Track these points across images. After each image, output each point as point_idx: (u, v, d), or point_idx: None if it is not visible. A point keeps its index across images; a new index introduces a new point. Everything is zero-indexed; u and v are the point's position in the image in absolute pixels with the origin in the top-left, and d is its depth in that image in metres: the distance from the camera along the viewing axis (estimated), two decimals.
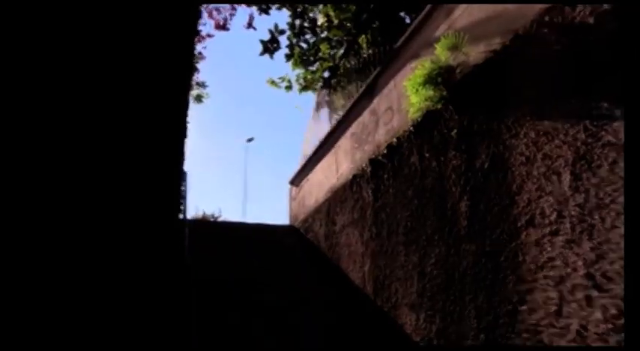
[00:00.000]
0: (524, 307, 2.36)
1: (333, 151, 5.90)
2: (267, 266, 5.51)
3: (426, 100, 3.38)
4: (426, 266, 3.28)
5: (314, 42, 7.58)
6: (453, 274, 2.95)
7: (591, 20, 2.11)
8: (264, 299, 4.69)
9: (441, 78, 3.25)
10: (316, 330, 4.48)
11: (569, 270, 2.10)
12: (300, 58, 7.64)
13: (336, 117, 6.15)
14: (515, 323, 2.41)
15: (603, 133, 1.99)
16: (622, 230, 1.85)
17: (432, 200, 3.29)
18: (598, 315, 1.95)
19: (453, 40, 3.19)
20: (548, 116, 2.32)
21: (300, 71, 7.86)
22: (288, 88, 8.24)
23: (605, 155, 1.96)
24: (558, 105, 2.26)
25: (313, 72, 7.84)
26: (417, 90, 3.37)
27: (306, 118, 7.76)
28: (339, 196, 5.37)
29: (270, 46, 7.54)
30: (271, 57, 7.59)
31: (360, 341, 4.28)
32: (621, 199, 1.87)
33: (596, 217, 1.97)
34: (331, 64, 7.33)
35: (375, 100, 4.69)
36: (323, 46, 7.53)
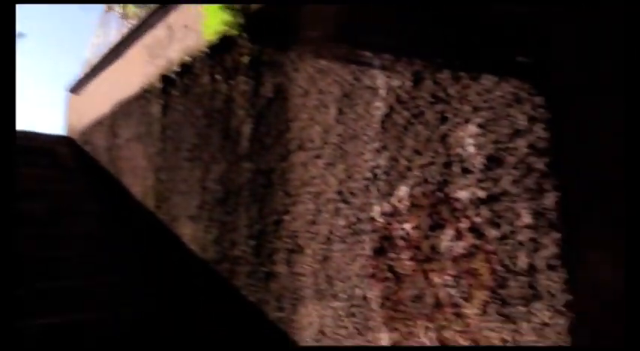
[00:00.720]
0: (287, 217, 2.79)
1: (122, 61, 5.63)
2: (37, 177, 5.18)
3: (222, 24, 3.51)
4: (207, 181, 3.53)
5: None
6: (231, 189, 3.27)
7: None
8: (34, 211, 4.48)
9: (239, 5, 3.40)
10: (93, 241, 4.47)
11: (325, 187, 2.55)
12: None
13: (128, 25, 5.83)
14: (279, 230, 2.84)
15: (364, 77, 2.42)
16: (366, 156, 2.33)
17: (218, 121, 3.51)
18: (342, 222, 2.45)
19: None
20: (325, 56, 2.68)
21: None
22: None
23: (363, 96, 2.40)
24: (334, 48, 2.63)
25: None
26: (215, 12, 3.47)
27: (92, 21, 7.11)
28: (125, 109, 5.23)
29: None
30: None
31: (136, 250, 4.42)
32: (369, 131, 2.34)
33: (350, 145, 2.43)
34: None
35: (172, 15, 4.61)
36: None
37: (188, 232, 3.77)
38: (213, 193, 3.47)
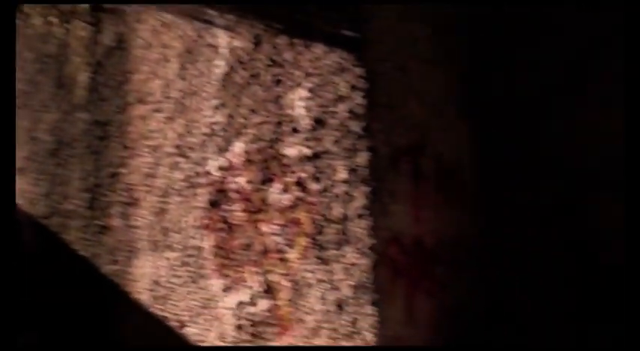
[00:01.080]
0: (124, 170, 2.78)
1: None
2: None
3: None
4: (37, 131, 3.32)
5: None
6: (63, 140, 3.12)
7: None
8: None
9: None
10: None
11: (164, 141, 2.59)
12: None
13: None
14: (115, 183, 2.82)
15: (207, 35, 2.48)
16: (205, 112, 2.42)
17: (52, 67, 3.29)
18: (179, 176, 2.52)
19: None
20: (170, 10, 2.67)
21: None
22: None
23: (205, 53, 2.46)
24: (179, 3, 2.63)
25: None
26: None
27: None
28: None
29: None
30: None
31: None
32: (209, 88, 2.41)
33: (190, 100, 2.49)
34: None
35: None
36: None
37: (15, 186, 3.52)
38: (43, 144, 3.28)
